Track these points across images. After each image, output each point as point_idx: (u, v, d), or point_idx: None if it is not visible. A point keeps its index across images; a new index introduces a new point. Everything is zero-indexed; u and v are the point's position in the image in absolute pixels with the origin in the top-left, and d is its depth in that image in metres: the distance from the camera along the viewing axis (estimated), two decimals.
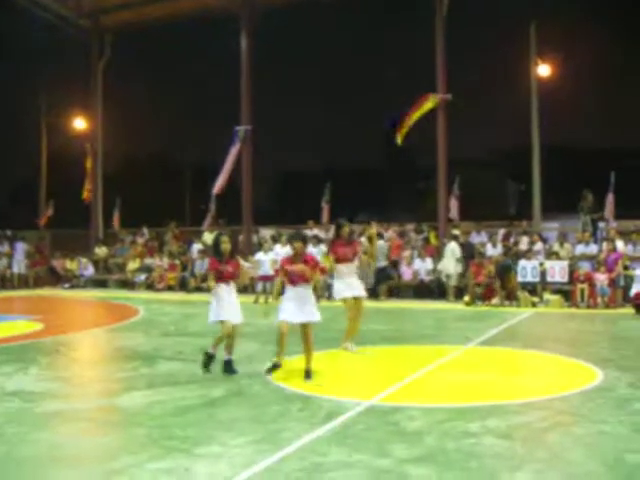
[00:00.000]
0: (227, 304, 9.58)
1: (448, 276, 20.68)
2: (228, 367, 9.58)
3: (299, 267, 9.29)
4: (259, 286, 20.83)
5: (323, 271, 9.77)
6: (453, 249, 20.90)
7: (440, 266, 21.12)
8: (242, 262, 10.23)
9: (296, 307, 9.23)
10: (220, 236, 9.97)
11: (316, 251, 18.40)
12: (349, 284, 11.45)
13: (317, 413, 7.41)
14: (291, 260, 9.49)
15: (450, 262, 20.67)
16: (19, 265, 27.57)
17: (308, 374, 9.24)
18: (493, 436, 6.57)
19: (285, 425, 6.96)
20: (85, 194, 30.99)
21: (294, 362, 9.96)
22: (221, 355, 9.68)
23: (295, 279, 9.33)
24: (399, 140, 24.18)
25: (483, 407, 7.69)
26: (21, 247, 27.92)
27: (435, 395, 8.44)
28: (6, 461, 6.03)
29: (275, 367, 9.45)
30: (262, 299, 19.83)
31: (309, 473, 5.58)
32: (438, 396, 8.35)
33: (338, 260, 11.42)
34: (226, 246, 9.76)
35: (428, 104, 23.56)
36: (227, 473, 5.57)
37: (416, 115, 23.75)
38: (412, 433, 6.69)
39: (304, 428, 6.80)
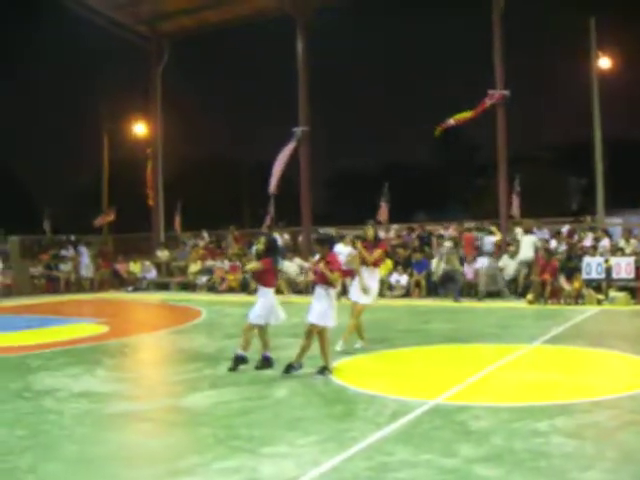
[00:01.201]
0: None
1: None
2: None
3: (321, 267, 9.41)
4: None
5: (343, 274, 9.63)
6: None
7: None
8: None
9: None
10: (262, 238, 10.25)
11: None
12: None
13: (382, 412, 7.36)
14: (318, 261, 9.72)
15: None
16: (86, 269, 28.12)
17: (320, 370, 9.31)
18: (562, 435, 6.45)
19: (350, 425, 6.94)
20: (149, 200, 31.40)
21: (357, 362, 9.93)
22: (281, 355, 9.71)
23: (316, 280, 9.56)
24: (437, 133, 24.22)
25: (551, 406, 7.56)
26: (84, 251, 28.48)
27: (501, 394, 8.32)
28: (77, 461, 6.14)
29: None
30: None
31: (376, 472, 5.54)
32: (504, 395, 8.24)
33: (362, 263, 11.31)
34: (258, 246, 10.18)
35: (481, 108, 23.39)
36: (293, 473, 5.57)
37: (466, 115, 23.61)
38: (478, 432, 6.60)
39: (369, 428, 6.76)
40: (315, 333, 9.31)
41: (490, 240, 22.05)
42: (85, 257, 28.25)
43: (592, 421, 6.98)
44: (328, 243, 9.75)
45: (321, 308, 9.26)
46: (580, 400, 7.80)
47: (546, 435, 6.46)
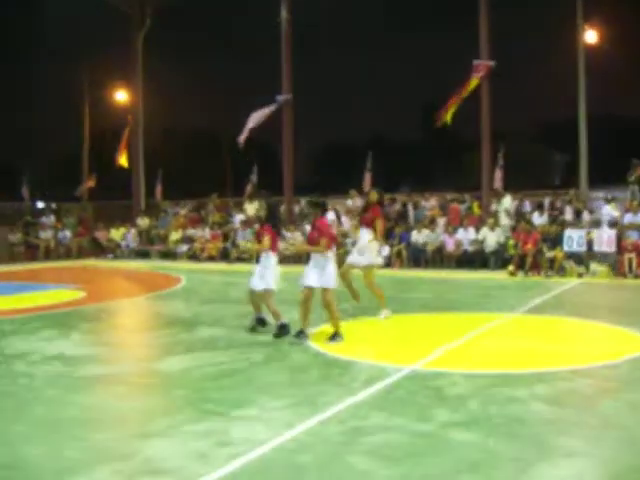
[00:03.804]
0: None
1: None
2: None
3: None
4: None
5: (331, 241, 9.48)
6: (505, 208, 21.55)
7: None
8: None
9: (315, 273, 9.21)
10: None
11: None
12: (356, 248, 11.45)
13: (358, 378, 7.27)
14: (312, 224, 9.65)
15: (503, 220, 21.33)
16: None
17: (332, 336, 9.21)
18: (541, 402, 6.37)
19: (325, 389, 6.83)
20: (121, 160, 30.95)
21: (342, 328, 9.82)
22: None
23: (308, 242, 9.51)
24: (448, 119, 23.71)
25: (529, 374, 7.48)
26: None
27: (479, 362, 8.23)
28: (43, 423, 5.99)
29: (300, 333, 9.32)
30: None
31: (349, 437, 5.44)
32: (482, 363, 8.15)
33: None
34: (259, 212, 9.99)
35: (473, 83, 23.05)
36: (264, 435, 5.46)
37: (464, 94, 23.26)
38: (454, 398, 6.51)
39: (344, 392, 6.66)
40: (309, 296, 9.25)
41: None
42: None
43: (571, 388, 6.91)
44: (320, 206, 9.61)
45: (327, 272, 9.14)
46: (559, 368, 7.72)
47: (524, 402, 6.38)
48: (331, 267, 9.19)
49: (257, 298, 10.04)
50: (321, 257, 9.20)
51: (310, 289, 9.22)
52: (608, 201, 20.97)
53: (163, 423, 5.87)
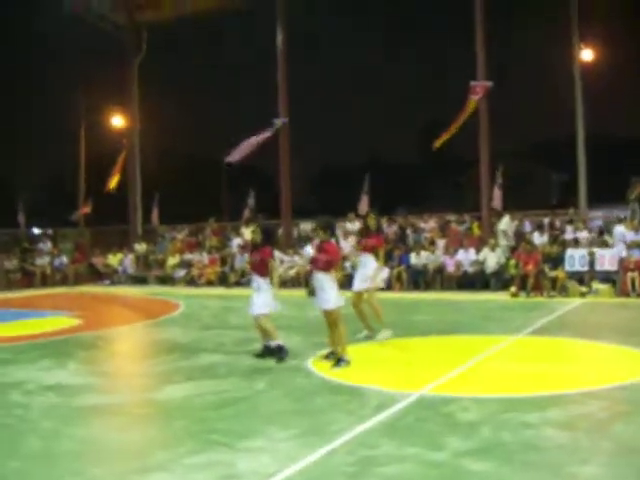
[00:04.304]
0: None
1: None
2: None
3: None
4: None
5: (329, 264, 9.34)
6: (501, 229, 21.48)
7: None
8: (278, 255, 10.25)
9: (317, 293, 9.28)
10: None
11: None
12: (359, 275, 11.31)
13: (365, 404, 7.04)
14: (318, 247, 9.57)
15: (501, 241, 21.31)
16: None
17: (337, 361, 9.09)
18: (554, 427, 6.16)
19: (332, 417, 6.60)
20: (111, 184, 30.74)
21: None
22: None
23: (313, 265, 9.45)
24: (438, 144, 23.60)
25: (540, 397, 7.27)
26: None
27: (488, 386, 8.00)
28: (39, 457, 5.77)
29: (331, 354, 9.41)
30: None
31: (360, 467, 5.21)
32: (491, 387, 7.93)
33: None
34: (254, 237, 10.20)
35: (471, 105, 22.92)
36: (271, 468, 5.23)
37: (462, 119, 23.10)
38: (466, 425, 6.29)
39: (352, 420, 6.43)
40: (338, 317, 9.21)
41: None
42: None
43: (584, 412, 6.69)
44: (330, 230, 9.57)
45: (334, 292, 9.11)
46: (570, 391, 7.51)
47: (537, 427, 6.17)
48: (333, 288, 9.13)
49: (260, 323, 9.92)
50: (323, 278, 9.12)
51: (326, 311, 9.23)
52: (620, 221, 20.80)
53: (163, 456, 5.64)
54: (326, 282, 9.11)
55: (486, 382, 8.21)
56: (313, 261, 9.51)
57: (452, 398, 7.25)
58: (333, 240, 9.48)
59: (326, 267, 9.14)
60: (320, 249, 9.38)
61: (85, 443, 6.13)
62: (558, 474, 5.06)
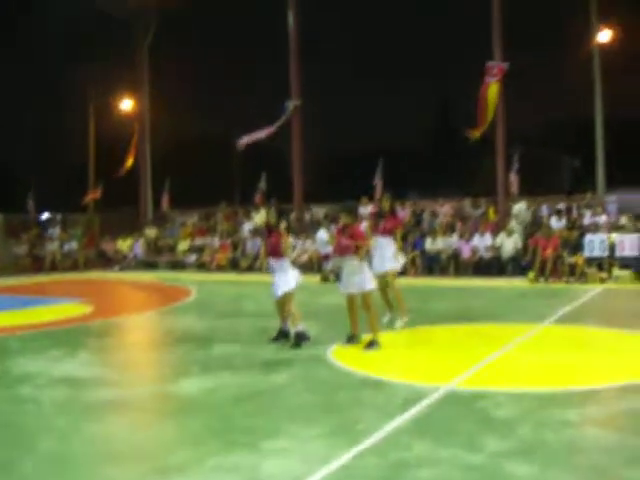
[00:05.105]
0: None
1: None
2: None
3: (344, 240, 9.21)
4: (328, 264, 19.73)
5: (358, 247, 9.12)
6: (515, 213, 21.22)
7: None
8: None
9: (344, 278, 9.24)
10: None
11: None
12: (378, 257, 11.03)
13: (392, 400, 6.67)
14: (340, 231, 9.40)
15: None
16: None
17: (369, 344, 9.11)
18: (596, 426, 5.80)
19: (359, 414, 6.24)
20: (128, 163, 30.50)
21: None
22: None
23: (340, 250, 9.26)
24: (477, 134, 22.85)
25: (576, 392, 6.90)
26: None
27: (520, 378, 7.61)
28: (53, 457, 5.44)
29: (350, 339, 9.40)
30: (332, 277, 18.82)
31: (392, 471, 4.85)
32: (523, 380, 7.53)
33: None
34: (270, 219, 10.05)
35: (493, 90, 22.28)
36: (299, 471, 4.87)
37: (491, 108, 22.41)
38: (502, 422, 5.93)
39: (380, 418, 6.06)
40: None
41: None
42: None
43: (626, 409, 6.31)
44: (355, 213, 9.51)
45: (369, 275, 9.15)
46: (607, 385, 7.15)
47: (578, 426, 5.81)
48: (367, 270, 9.13)
49: (282, 306, 9.75)
50: (356, 263, 9.05)
51: (351, 295, 9.23)
52: None
53: (183, 456, 5.30)
54: (358, 266, 9.03)
55: (517, 375, 7.82)
56: (340, 246, 9.24)
57: (483, 392, 6.88)
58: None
59: (356, 251, 8.97)
60: (347, 233, 9.16)
61: (100, 442, 5.80)
62: (606, 477, 4.70)
